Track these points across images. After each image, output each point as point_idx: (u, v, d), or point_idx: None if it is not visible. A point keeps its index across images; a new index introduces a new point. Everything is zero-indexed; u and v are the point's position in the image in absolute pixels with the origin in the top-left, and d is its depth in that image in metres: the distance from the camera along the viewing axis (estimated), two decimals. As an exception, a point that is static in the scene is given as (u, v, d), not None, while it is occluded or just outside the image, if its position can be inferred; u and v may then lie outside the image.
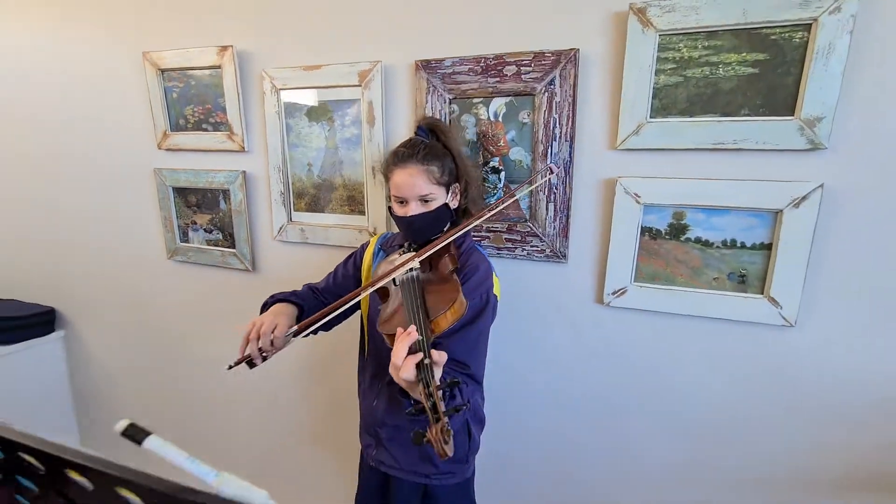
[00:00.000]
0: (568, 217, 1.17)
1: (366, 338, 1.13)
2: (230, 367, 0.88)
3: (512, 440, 1.37)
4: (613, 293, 1.16)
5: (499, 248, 1.25)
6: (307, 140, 1.40)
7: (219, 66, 1.43)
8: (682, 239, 1.09)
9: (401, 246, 1.05)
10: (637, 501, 1.28)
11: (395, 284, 0.91)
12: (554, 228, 1.18)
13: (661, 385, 1.18)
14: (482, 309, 0.94)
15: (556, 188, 1.16)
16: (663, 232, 1.10)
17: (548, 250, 1.20)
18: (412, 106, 1.26)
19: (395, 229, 1.27)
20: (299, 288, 1.17)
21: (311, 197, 1.45)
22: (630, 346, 1.18)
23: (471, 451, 1.04)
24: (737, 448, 1.14)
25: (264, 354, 0.91)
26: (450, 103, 1.22)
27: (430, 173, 0.96)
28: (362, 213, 1.39)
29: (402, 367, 0.66)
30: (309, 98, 1.37)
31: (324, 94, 1.35)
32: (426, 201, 0.97)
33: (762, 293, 1.05)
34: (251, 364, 0.90)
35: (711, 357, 1.12)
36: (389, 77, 1.27)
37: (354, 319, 1.17)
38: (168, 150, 1.60)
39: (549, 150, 1.14)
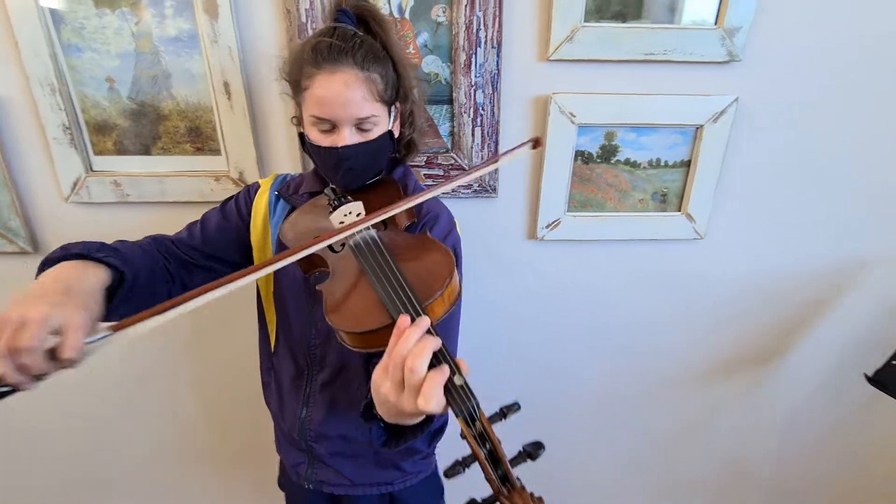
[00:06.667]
0: (497, 143, 0.99)
1: (272, 325, 0.81)
2: None
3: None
4: (547, 226, 1.06)
5: (417, 187, 1.02)
6: (99, 40, 0.89)
7: None
8: (612, 161, 1.03)
9: (313, 194, 0.74)
10: (579, 413, 1.31)
11: (332, 251, 0.62)
12: (482, 158, 1.00)
13: (593, 311, 1.17)
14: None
15: (483, 108, 0.96)
16: (595, 155, 1.02)
17: (475, 184, 1.02)
18: (278, -11, 0.87)
19: (287, 170, 0.93)
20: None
21: (121, 131, 0.96)
22: (564, 278, 1.13)
23: (439, 435, 0.86)
24: (652, 349, 1.23)
25: (33, 374, 0.44)
26: (335, -11, 0.88)
27: (372, 84, 0.64)
28: (216, 151, 0.98)
29: (426, 390, 0.40)
30: (89, -34, 0.84)
31: (117, -38, 0.84)
32: (364, 129, 0.66)
33: (680, 210, 1.08)
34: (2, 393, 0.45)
35: (636, 276, 1.14)
36: (234, -60, 0.85)
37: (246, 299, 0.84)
38: None
39: (473, 61, 0.92)
